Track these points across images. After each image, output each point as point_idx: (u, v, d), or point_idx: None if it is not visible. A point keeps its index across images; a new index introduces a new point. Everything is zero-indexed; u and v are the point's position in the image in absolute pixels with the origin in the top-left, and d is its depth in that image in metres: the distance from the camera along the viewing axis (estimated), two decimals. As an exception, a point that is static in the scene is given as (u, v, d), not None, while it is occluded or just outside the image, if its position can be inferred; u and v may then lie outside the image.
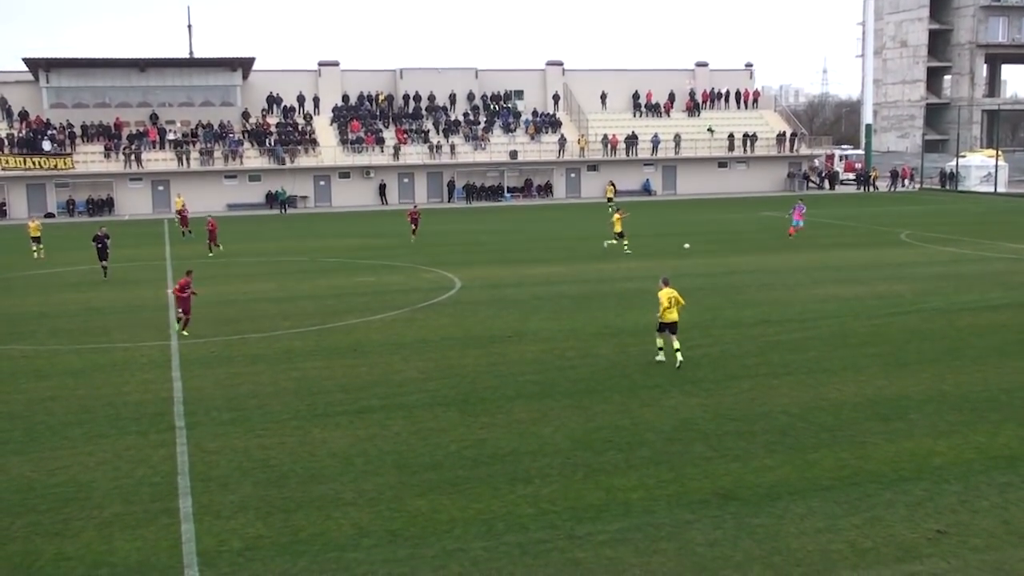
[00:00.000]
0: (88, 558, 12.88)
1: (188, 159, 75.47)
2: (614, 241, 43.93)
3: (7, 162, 71.87)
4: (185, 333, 26.72)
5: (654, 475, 15.59)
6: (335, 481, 15.59)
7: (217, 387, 21.52)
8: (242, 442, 17.62)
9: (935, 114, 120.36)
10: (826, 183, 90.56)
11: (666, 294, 22.18)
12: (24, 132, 74.39)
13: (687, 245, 44.67)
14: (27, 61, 75.80)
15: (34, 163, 72.21)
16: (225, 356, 24.63)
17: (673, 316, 22.21)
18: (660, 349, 22.77)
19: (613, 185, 75.01)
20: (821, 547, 12.84)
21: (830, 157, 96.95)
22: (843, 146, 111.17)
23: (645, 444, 17.11)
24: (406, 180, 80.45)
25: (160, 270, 41.47)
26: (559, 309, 30.18)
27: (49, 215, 72.47)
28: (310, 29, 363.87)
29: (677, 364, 22.03)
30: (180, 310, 26.93)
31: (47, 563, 12.77)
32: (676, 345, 22.26)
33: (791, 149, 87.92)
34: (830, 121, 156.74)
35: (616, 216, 44.51)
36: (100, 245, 38.88)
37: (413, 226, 50.85)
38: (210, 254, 46.40)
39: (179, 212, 59.33)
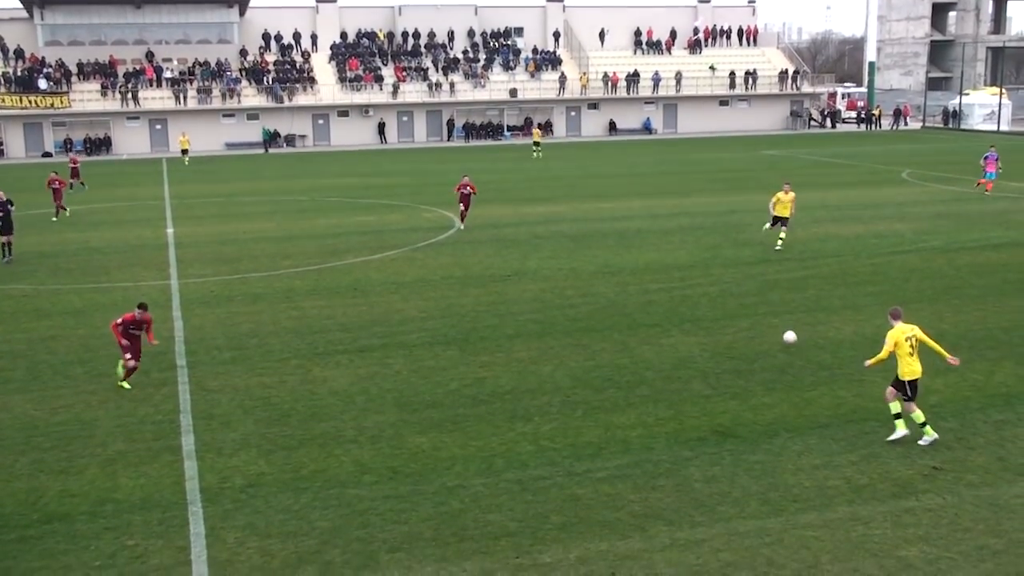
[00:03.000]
0: (93, 495, 13.02)
1: (185, 97, 74.86)
2: (770, 227, 29.40)
3: (3, 100, 71.31)
4: (126, 385, 17.39)
5: (653, 413, 15.70)
6: (336, 419, 15.71)
7: (217, 326, 21.58)
8: (243, 381, 17.72)
9: (939, 51, 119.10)
10: (827, 121, 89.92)
11: (903, 333, 13.98)
12: (19, 70, 73.70)
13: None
14: (21, -2, 74.92)
15: (30, 102, 71.66)
16: (225, 295, 24.66)
17: (917, 369, 13.99)
18: (898, 417, 14.21)
19: (540, 128, 72.79)
20: (818, 483, 12.97)
21: (832, 95, 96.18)
22: (845, 84, 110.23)
23: (644, 382, 17.21)
24: (405, 118, 79.91)
25: (159, 210, 41.36)
26: (558, 248, 30.15)
27: (47, 154, 72.12)
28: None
29: (931, 440, 14.09)
30: (127, 356, 17.28)
31: (52, 500, 12.91)
32: (921, 416, 14.09)
33: (793, 87, 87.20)
34: (833, 59, 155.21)
35: (784, 195, 28.82)
36: (1, 214, 29.14)
37: (463, 207, 34.42)
38: (54, 219, 38.57)
39: (72, 162, 50.04)
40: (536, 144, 65.35)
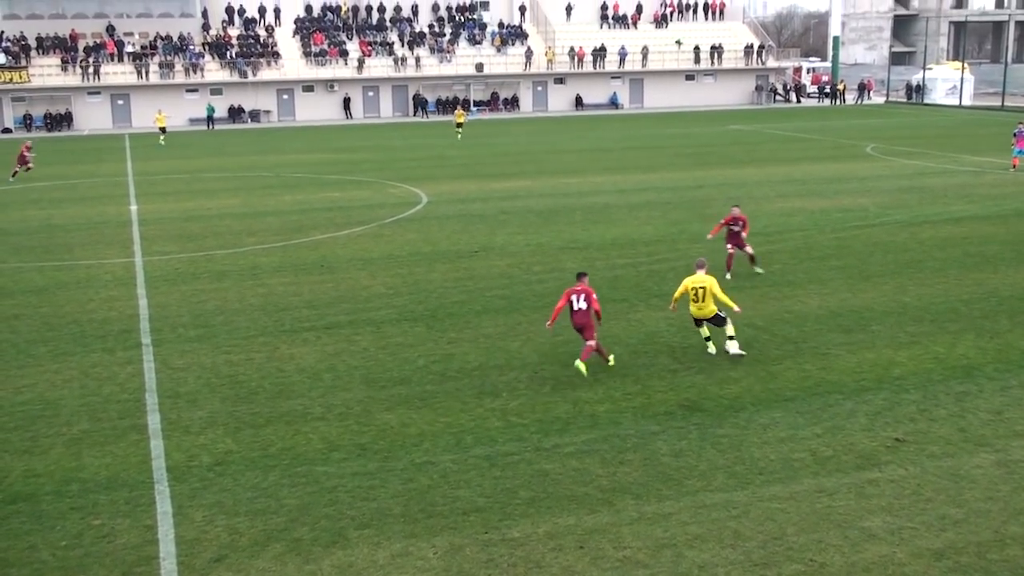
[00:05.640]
0: (58, 474, 12.92)
1: (147, 72, 73.85)
2: None
3: (-40, 76, 70.06)
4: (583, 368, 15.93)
5: (620, 387, 15.78)
6: (304, 396, 15.66)
7: (183, 304, 21.42)
8: (209, 359, 17.61)
9: (903, 26, 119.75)
10: (792, 96, 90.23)
11: (692, 283, 16.91)
12: (-23, 44, 72.37)
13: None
14: (-23, -30, 73.42)
15: (-12, 76, 70.48)
16: (190, 272, 24.46)
17: (697, 312, 17.08)
18: (707, 339, 17.39)
19: (464, 108, 70.96)
20: (783, 456, 13.11)
21: (797, 70, 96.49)
22: (810, 58, 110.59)
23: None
24: (371, 93, 79.33)
25: (122, 186, 40.88)
26: (526, 223, 30.14)
27: (6, 130, 71.01)
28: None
29: (714, 352, 17.24)
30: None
31: (16, 480, 12.79)
32: (707, 332, 17.40)
33: (759, 61, 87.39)
34: (798, 33, 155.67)
35: None
36: None
37: (732, 249, 22.78)
38: (11, 179, 40.78)
39: (24, 154, 42.73)
40: (458, 126, 60.82)
